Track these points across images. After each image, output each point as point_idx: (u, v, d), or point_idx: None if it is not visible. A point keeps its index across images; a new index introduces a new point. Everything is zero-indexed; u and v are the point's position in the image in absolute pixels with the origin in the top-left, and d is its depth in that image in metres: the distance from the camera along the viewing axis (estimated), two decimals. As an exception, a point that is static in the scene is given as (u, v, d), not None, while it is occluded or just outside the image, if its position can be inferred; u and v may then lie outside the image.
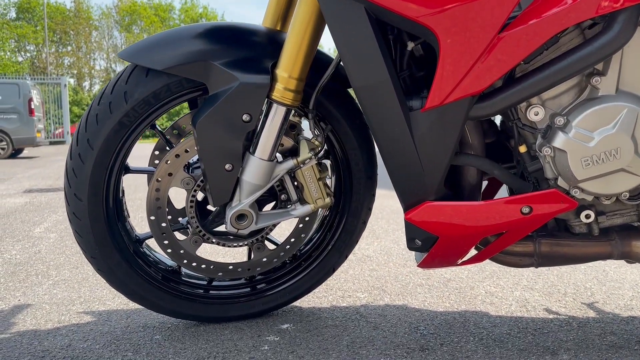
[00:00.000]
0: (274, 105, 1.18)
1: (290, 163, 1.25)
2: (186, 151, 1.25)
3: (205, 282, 1.43)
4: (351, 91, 1.29)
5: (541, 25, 0.97)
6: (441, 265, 1.24)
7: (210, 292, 1.41)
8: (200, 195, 1.33)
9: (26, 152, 12.19)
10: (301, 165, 1.26)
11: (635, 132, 1.04)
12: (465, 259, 1.22)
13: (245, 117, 1.16)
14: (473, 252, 1.23)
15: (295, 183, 1.29)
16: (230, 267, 1.35)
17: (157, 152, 1.36)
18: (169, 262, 1.42)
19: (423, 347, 1.24)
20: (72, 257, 2.12)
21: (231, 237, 1.34)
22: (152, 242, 1.49)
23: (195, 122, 1.17)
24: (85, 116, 1.23)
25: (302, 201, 1.29)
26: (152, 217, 1.28)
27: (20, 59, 35.00)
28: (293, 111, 1.23)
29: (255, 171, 1.21)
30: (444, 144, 1.06)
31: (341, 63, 1.13)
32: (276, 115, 1.19)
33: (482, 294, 1.62)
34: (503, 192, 1.32)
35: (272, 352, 1.21)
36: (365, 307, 1.52)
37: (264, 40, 1.26)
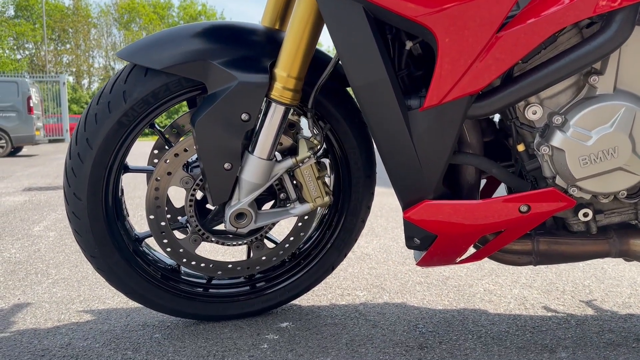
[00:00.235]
0: (273, 105, 1.19)
1: (289, 162, 1.26)
2: (185, 150, 1.25)
3: (204, 281, 1.43)
4: (350, 90, 1.29)
5: (539, 24, 0.97)
6: (440, 263, 1.25)
7: (210, 290, 1.42)
8: (199, 194, 1.33)
9: (25, 150, 12.19)
10: (300, 164, 1.26)
11: (632, 130, 1.04)
12: (463, 257, 1.22)
13: (244, 116, 1.16)
14: (472, 250, 1.24)
15: (294, 182, 1.30)
16: (230, 265, 1.35)
17: (156, 151, 1.36)
18: (168, 260, 1.43)
19: (422, 345, 1.24)
20: (72, 255, 2.12)
21: (230, 235, 1.34)
22: (151, 241, 1.50)
23: (194, 122, 1.17)
24: (84, 115, 1.23)
25: (301, 200, 1.30)
26: (152, 216, 1.28)
27: (18, 56, 34.96)
28: (292, 110, 1.23)
29: (254, 170, 1.21)
30: (443, 143, 1.07)
31: (340, 62, 1.14)
32: (275, 114, 1.19)
33: (480, 291, 1.62)
34: (501, 190, 1.32)
35: (272, 351, 1.22)
36: (364, 305, 1.52)
37: (262, 39, 1.26)
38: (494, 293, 1.61)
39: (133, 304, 1.53)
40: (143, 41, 1.23)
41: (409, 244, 1.19)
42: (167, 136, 1.34)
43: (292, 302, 1.52)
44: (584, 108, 1.05)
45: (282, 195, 1.32)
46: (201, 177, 1.26)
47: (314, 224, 1.44)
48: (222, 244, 1.34)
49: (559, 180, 1.10)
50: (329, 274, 1.47)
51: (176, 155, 1.25)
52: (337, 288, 1.68)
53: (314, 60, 1.21)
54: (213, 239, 1.33)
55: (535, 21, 0.97)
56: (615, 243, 1.19)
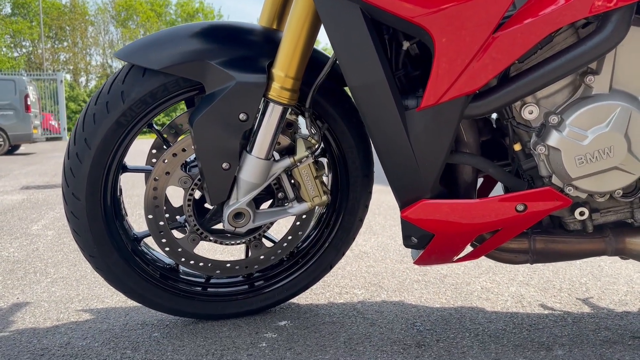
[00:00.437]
0: (271, 104, 1.19)
1: (287, 161, 1.26)
2: (183, 150, 1.25)
3: (203, 280, 1.43)
4: (347, 90, 1.30)
5: (535, 24, 0.98)
6: (437, 262, 1.26)
7: (208, 289, 1.42)
8: (197, 194, 1.33)
9: (23, 148, 12.15)
10: (298, 164, 1.26)
11: (628, 130, 1.05)
12: (461, 255, 1.23)
13: (242, 116, 1.17)
14: (469, 249, 1.25)
15: (292, 181, 1.30)
16: (228, 264, 1.36)
17: (154, 151, 1.36)
18: (166, 260, 1.43)
19: (419, 343, 1.25)
20: (70, 254, 2.12)
21: (229, 235, 1.35)
22: (150, 241, 1.50)
23: (192, 121, 1.17)
24: (82, 115, 1.23)
25: (299, 199, 1.30)
26: (150, 216, 1.28)
27: (15, 54, 34.82)
28: (289, 110, 1.24)
29: (252, 170, 1.22)
30: (440, 143, 1.07)
31: (337, 62, 1.14)
32: (273, 114, 1.20)
33: (478, 289, 1.63)
34: (498, 190, 1.33)
35: (270, 349, 1.22)
36: (362, 303, 1.53)
37: (260, 39, 1.26)
38: (491, 291, 1.62)
39: (132, 303, 1.54)
40: (141, 41, 1.23)
41: (407, 242, 1.19)
42: (165, 136, 1.34)
43: (290, 301, 1.52)
44: (580, 108, 1.05)
45: (280, 194, 1.33)
46: (199, 176, 1.27)
47: (312, 223, 1.45)
48: (221, 243, 1.35)
49: (555, 180, 1.11)
50: (327, 273, 1.48)
51: (174, 155, 1.25)
52: (335, 286, 1.69)
53: (312, 60, 1.22)
54: (211, 238, 1.33)
55: (531, 21, 0.98)
56: (611, 241, 1.19)
